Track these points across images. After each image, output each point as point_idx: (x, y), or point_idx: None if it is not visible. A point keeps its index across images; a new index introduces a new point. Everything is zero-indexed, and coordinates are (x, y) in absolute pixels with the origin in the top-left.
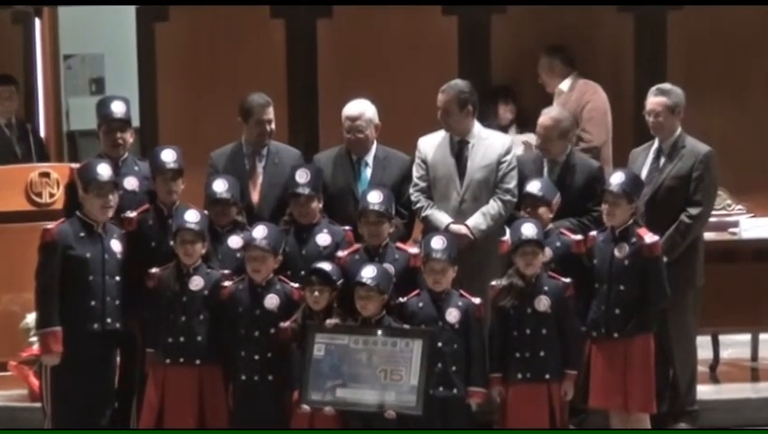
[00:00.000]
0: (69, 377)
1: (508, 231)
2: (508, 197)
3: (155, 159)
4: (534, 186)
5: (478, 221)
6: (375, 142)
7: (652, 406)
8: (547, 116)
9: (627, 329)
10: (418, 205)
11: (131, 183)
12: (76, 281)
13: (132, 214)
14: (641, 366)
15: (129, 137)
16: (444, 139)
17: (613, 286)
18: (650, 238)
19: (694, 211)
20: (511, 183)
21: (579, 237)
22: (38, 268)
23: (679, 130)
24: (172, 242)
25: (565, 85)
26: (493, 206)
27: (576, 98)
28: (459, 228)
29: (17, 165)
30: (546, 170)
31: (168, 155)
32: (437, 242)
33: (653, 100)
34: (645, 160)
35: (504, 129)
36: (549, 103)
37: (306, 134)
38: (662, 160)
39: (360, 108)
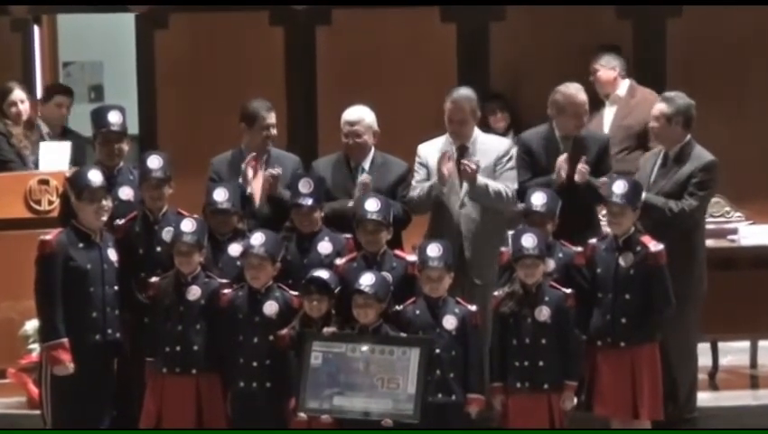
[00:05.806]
0: (69, 387)
1: (509, 240)
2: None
3: (142, 166)
4: (539, 199)
5: (486, 180)
6: (373, 148)
7: (661, 412)
8: (576, 90)
9: (634, 338)
10: (413, 193)
11: (126, 192)
12: (76, 293)
13: (120, 222)
14: (650, 374)
15: (125, 147)
16: (445, 145)
17: (618, 295)
18: (654, 246)
19: (677, 204)
20: (510, 180)
21: (580, 249)
22: (38, 280)
23: (686, 138)
24: (159, 248)
25: (622, 90)
26: (498, 184)
27: (641, 108)
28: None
29: (16, 172)
30: (561, 147)
31: (154, 162)
32: (433, 250)
33: (655, 106)
34: (653, 166)
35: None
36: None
37: (305, 140)
38: (668, 167)
39: (360, 114)
